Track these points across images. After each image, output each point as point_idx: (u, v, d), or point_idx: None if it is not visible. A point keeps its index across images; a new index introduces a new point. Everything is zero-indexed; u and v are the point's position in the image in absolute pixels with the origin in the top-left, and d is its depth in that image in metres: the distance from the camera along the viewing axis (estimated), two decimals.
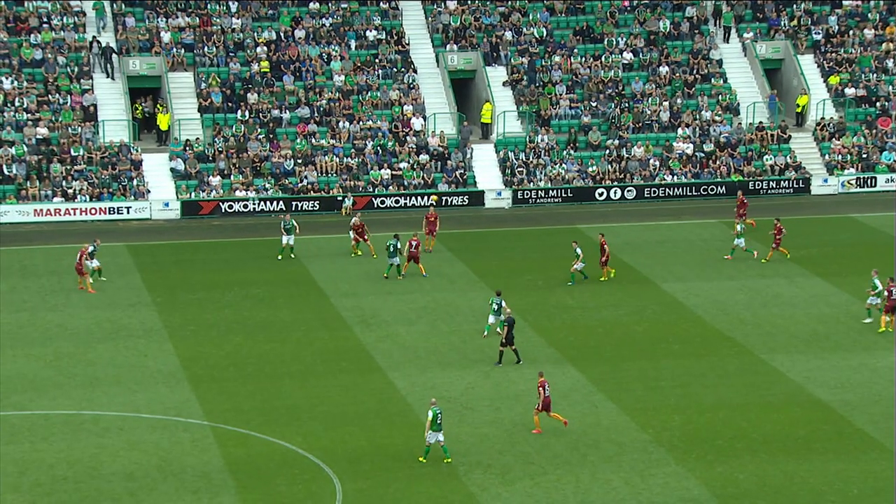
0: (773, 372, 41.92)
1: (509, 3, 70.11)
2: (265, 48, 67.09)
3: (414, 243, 50.89)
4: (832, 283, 50.27)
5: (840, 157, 65.90)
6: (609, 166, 64.73)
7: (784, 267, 52.34)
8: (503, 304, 44.34)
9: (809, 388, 40.59)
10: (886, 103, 67.91)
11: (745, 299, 48.95)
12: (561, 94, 67.27)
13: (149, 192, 61.59)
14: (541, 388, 37.07)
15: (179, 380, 41.23)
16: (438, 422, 34.98)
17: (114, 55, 65.20)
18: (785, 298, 49.00)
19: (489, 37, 68.85)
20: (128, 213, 60.76)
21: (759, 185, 64.56)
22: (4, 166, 61.15)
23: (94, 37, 65.84)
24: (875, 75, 69.15)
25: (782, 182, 64.78)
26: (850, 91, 68.37)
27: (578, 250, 49.75)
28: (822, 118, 67.64)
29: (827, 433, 37.40)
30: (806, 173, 65.36)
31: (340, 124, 64.94)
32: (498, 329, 43.76)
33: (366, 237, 53.65)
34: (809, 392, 40.29)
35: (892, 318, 44.74)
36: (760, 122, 67.04)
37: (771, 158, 65.62)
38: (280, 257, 53.34)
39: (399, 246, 50.56)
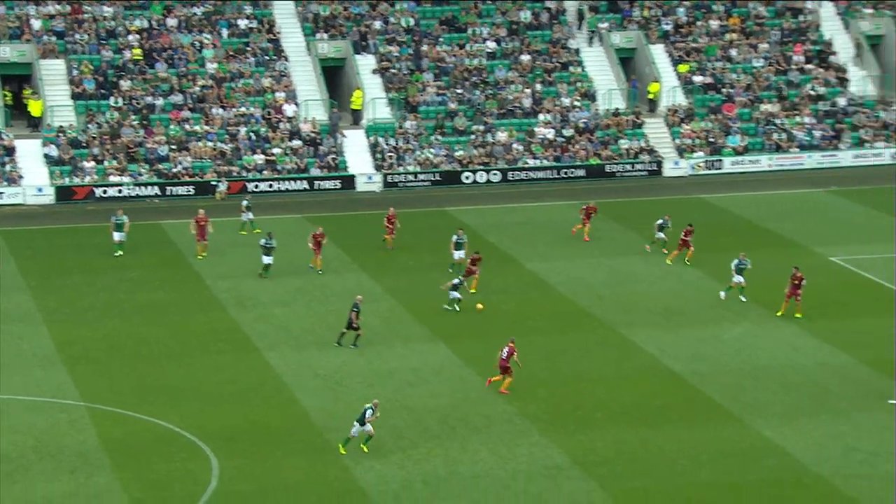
0: (631, 346, 42.35)
1: None
2: (137, 36, 65.70)
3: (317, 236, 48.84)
4: (687, 262, 50.94)
5: (690, 141, 66.88)
6: (475, 151, 64.79)
7: (639, 246, 52.91)
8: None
9: (664, 360, 41.10)
10: (731, 90, 69.06)
11: (604, 277, 49.37)
12: (428, 82, 67.10)
13: (21, 177, 59.92)
14: (501, 351, 38.06)
15: (55, 363, 40.20)
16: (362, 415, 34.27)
17: None
18: (641, 276, 49.55)
19: (358, 26, 68.36)
20: (1, 198, 59.05)
21: (615, 167, 65.21)
22: None
23: None
24: (721, 63, 70.27)
25: (637, 165, 65.50)
26: (698, 79, 69.39)
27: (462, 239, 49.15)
28: (673, 104, 68.55)
29: (679, 402, 37.91)
30: (658, 156, 66.18)
31: (213, 111, 63.93)
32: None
33: (206, 237, 50.21)
34: (664, 364, 40.79)
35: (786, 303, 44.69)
36: (617, 109, 67.70)
37: (626, 142, 66.32)
38: (119, 253, 50.48)
39: (273, 244, 48.36)
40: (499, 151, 64.95)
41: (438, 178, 63.62)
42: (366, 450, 34.02)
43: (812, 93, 68.93)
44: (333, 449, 34.44)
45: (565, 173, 64.49)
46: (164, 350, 41.52)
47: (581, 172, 64.59)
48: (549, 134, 65.97)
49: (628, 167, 65.33)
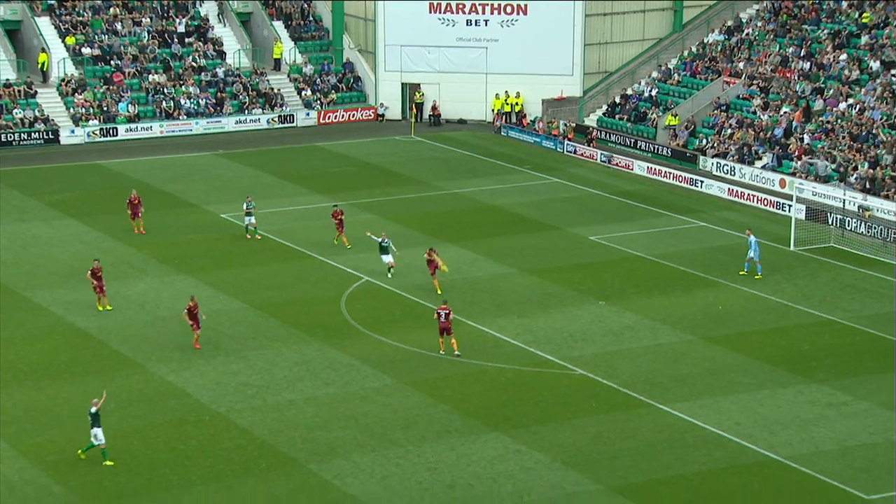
0: (36, 307, 41.10)
1: None
2: None
3: None
4: (85, 223, 50.16)
5: (84, 109, 65.50)
6: None
7: (41, 211, 51.29)
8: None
9: (69, 317, 40.29)
10: (119, 62, 68.38)
11: (6, 243, 47.32)
12: None
13: None
14: (437, 315, 37.32)
15: None
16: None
17: None
18: (43, 239, 48.07)
19: None
20: None
21: (11, 136, 62.51)
22: None
23: None
24: (107, 37, 69.32)
25: (33, 134, 63.21)
26: (87, 50, 68.01)
27: None
28: (65, 75, 66.72)
29: (86, 356, 37.47)
30: (55, 125, 64.24)
31: None
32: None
33: None
34: (69, 321, 40.00)
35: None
36: (7, 80, 64.78)
37: (21, 112, 63.72)
38: None
39: None
40: None
41: None
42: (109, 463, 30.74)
43: (194, 64, 69.87)
44: None
45: None
46: None
47: None
48: None
49: (24, 136, 62.88)
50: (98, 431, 30.70)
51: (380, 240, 44.21)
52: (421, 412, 34.17)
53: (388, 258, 44.07)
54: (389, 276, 44.02)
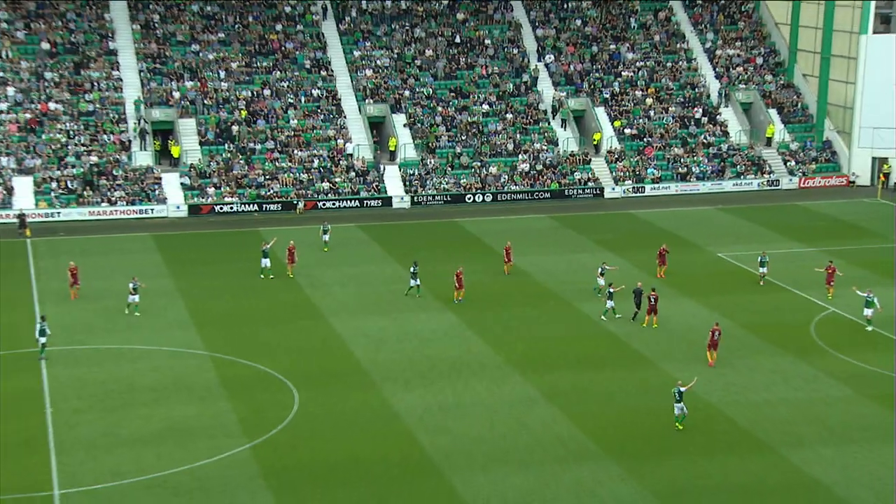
0: (582, 315, 42.00)
1: (406, 70, 69.87)
2: (244, 102, 65.99)
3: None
4: (619, 256, 50.99)
5: (622, 173, 66.87)
6: (474, 179, 64.88)
7: (588, 246, 52.91)
8: None
9: (602, 324, 40.98)
10: (650, 139, 69.02)
11: (564, 267, 49.16)
12: (442, 132, 67.21)
13: (166, 198, 60.22)
14: (711, 333, 35.66)
15: (188, 325, 40.46)
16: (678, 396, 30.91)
17: (147, 136, 62.34)
18: (589, 267, 49.06)
19: (394, 94, 68.51)
20: (151, 213, 59.34)
21: (571, 191, 65.27)
22: (68, 182, 59.42)
23: (137, 121, 62.46)
24: (643, 120, 70.23)
25: (586, 190, 65.52)
26: (628, 131, 69.35)
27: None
28: (611, 148, 68.51)
29: (614, 353, 37.92)
30: (601, 184, 66.17)
31: (295, 152, 64.15)
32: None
33: (294, 261, 45.64)
34: (603, 327, 40.74)
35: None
36: (572, 152, 67.78)
37: (579, 174, 66.36)
38: (269, 276, 44.95)
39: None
40: (491, 180, 65.04)
41: (449, 199, 63.74)
42: (680, 427, 30.90)
43: (705, 141, 68.88)
44: (377, 386, 34.62)
45: (536, 196, 64.52)
46: (263, 317, 41.73)
47: (547, 195, 64.60)
48: (526, 168, 66.03)
49: (580, 191, 65.36)
50: (681, 406, 30.55)
51: (865, 294, 39.78)
52: (877, 419, 31.13)
53: (869, 311, 39.33)
54: (869, 329, 39.42)
